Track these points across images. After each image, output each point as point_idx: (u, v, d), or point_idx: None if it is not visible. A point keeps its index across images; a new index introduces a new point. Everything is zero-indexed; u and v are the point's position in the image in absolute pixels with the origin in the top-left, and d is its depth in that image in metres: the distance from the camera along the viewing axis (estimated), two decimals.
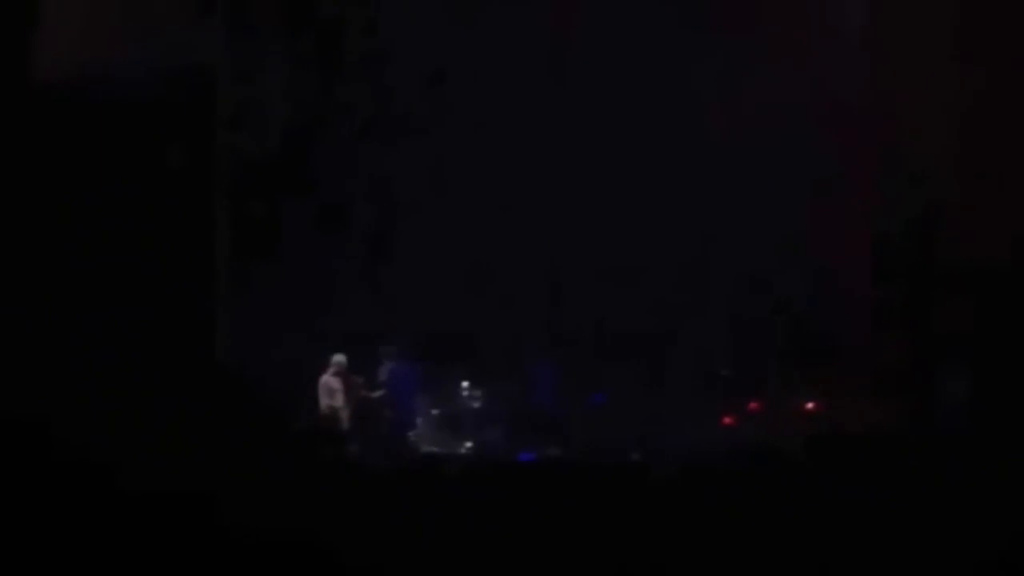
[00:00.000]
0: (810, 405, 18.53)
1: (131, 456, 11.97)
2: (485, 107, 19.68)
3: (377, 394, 18.80)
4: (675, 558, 10.89)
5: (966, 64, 17.90)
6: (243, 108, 18.46)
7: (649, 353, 19.48)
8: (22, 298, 15.75)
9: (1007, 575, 10.46)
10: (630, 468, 16.07)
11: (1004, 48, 17.64)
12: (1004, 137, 17.71)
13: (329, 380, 18.41)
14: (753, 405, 19.00)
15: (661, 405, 18.85)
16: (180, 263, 16.96)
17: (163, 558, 10.38)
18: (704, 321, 19.49)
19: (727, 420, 18.92)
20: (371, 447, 18.44)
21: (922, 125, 18.14)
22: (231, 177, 18.21)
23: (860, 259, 18.81)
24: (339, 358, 18.46)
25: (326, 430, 18.16)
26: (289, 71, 19.04)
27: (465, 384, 19.92)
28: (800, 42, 18.96)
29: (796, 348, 18.96)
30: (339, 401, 18.38)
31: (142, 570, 10.32)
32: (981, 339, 17.43)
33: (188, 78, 17.20)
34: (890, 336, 18.22)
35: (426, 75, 19.65)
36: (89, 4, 17.14)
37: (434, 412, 19.71)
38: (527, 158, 19.77)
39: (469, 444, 19.44)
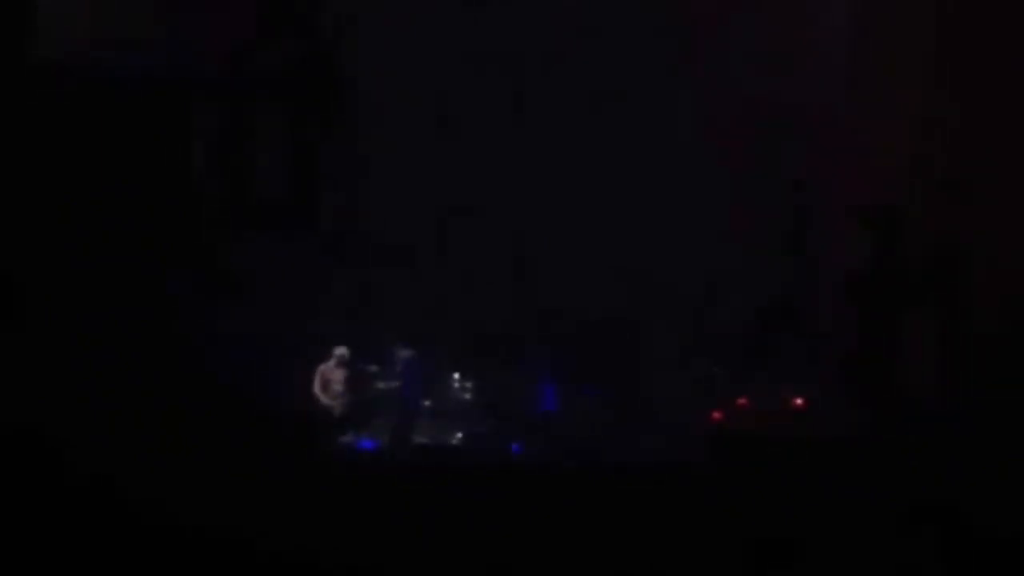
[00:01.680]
0: (799, 401, 18.66)
1: (122, 455, 12.01)
2: (461, 107, 19.85)
3: (387, 385, 18.94)
4: (663, 554, 10.99)
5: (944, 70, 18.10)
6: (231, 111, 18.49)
7: (639, 350, 19.62)
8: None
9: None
10: (616, 464, 16.24)
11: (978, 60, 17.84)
12: (982, 142, 17.89)
13: (327, 369, 18.59)
14: (742, 401, 19.12)
15: (650, 401, 19.02)
16: (172, 257, 17.03)
17: (157, 558, 10.43)
18: (694, 319, 19.62)
19: (716, 416, 19.03)
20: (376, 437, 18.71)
21: (901, 127, 18.28)
22: (222, 174, 18.23)
23: (840, 259, 18.99)
24: (340, 351, 18.65)
25: (321, 418, 18.38)
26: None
27: (456, 376, 20.02)
28: (775, 45, 19.11)
29: (782, 345, 19.11)
30: (335, 390, 18.59)
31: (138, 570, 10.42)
32: (956, 341, 17.61)
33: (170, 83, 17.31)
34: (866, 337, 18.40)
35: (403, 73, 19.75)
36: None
37: (426, 403, 19.83)
38: (504, 157, 19.93)
39: (460, 435, 19.57)
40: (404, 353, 19.14)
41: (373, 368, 18.99)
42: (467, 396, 19.97)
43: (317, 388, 18.49)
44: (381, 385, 18.98)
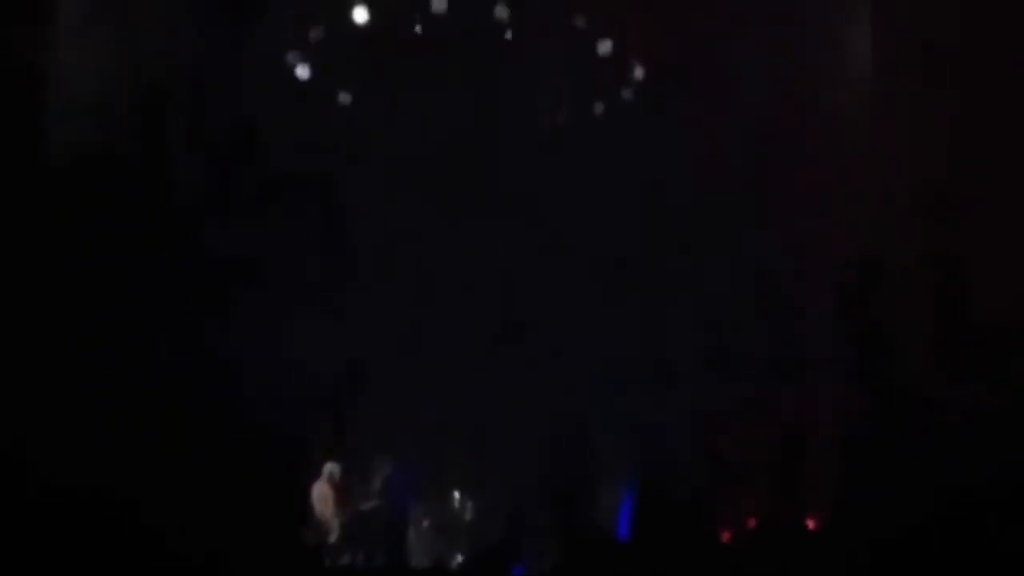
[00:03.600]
0: (811, 523, 18.21)
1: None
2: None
3: (370, 505, 18.58)
4: None
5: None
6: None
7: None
8: None
9: None
10: None
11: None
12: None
13: (321, 488, 18.27)
14: (751, 522, 18.69)
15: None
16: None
17: None
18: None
19: (724, 538, 18.58)
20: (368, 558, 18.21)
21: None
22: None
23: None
24: (331, 467, 18.32)
25: (317, 538, 17.99)
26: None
27: (457, 495, 19.67)
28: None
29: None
30: (329, 510, 18.22)
31: None
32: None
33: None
34: None
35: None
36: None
37: (425, 524, 19.42)
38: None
39: (461, 558, 19.14)
40: (387, 468, 18.65)
41: (357, 485, 18.51)
42: (468, 517, 19.58)
43: (316, 507, 18.24)
44: (369, 505, 18.53)
